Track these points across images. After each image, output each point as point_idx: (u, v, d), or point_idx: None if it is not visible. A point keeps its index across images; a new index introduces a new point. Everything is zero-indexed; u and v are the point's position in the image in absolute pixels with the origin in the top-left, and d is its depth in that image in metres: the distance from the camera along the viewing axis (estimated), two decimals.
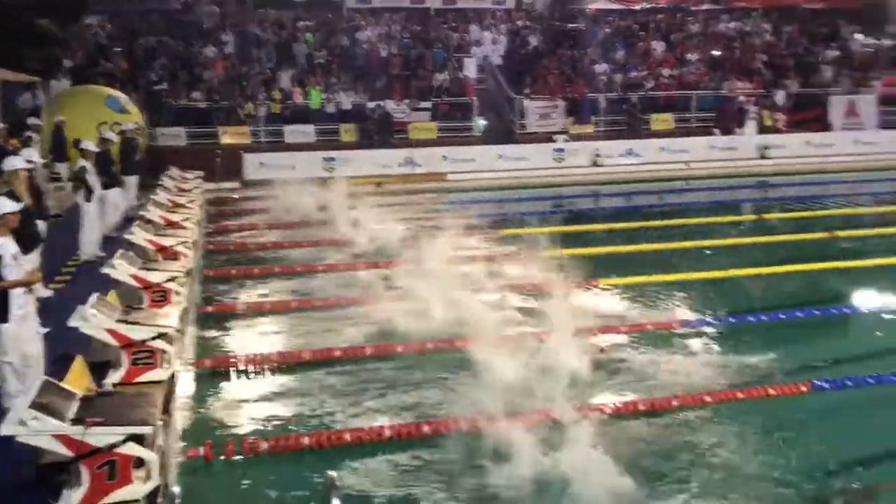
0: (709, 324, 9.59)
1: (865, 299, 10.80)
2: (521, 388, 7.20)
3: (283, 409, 7.52)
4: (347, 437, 6.78)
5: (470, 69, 26.44)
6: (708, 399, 7.35)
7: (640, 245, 13.94)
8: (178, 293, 8.61)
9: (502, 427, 6.35)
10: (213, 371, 8.33)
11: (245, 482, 6.29)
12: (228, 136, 22.56)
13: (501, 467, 6.10)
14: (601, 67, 26.98)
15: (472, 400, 6.99)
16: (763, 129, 25.41)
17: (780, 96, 26.46)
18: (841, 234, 14.48)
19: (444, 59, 26.44)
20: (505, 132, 25.03)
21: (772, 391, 7.52)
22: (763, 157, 24.38)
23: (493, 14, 30.49)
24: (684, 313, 10.01)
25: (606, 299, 10.63)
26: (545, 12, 31.04)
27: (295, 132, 23.16)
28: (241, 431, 7.06)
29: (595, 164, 23.44)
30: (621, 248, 13.75)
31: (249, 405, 7.62)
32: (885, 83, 27.77)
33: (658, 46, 28.76)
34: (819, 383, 7.71)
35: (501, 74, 26.41)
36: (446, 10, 30.50)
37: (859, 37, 31.00)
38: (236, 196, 19.40)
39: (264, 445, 6.67)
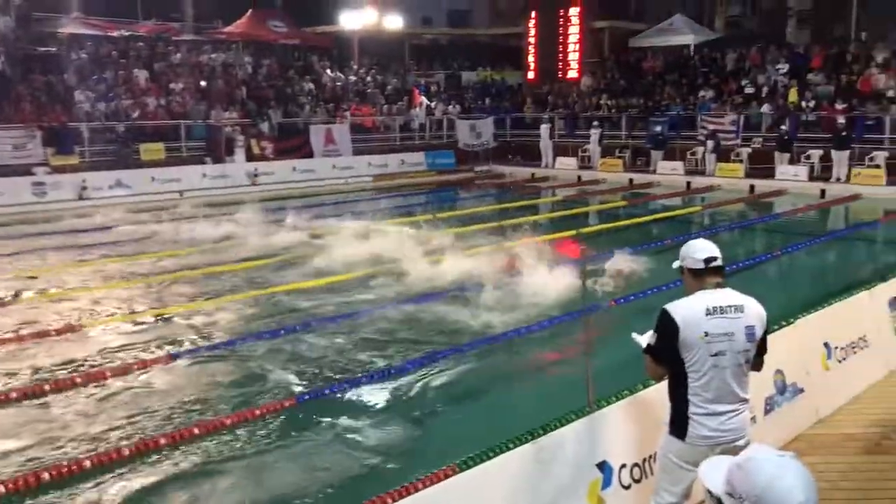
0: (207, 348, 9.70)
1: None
2: None
3: None
4: None
5: None
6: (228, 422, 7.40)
7: (130, 282, 13.48)
8: None
9: None
10: None
11: None
12: None
13: None
14: (81, 95, 25.52)
15: None
16: (252, 157, 26.64)
17: (265, 125, 28.03)
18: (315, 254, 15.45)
19: None
20: None
21: (257, 411, 7.88)
22: (254, 184, 25.58)
23: None
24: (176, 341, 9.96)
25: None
26: (9, 34, 28.09)
27: None
28: None
29: (82, 198, 22.10)
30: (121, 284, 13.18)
31: None
32: (353, 112, 31.34)
33: (141, 75, 28.18)
34: (302, 397, 8.35)
35: None
36: None
37: (329, 72, 34.50)
38: None
39: None
